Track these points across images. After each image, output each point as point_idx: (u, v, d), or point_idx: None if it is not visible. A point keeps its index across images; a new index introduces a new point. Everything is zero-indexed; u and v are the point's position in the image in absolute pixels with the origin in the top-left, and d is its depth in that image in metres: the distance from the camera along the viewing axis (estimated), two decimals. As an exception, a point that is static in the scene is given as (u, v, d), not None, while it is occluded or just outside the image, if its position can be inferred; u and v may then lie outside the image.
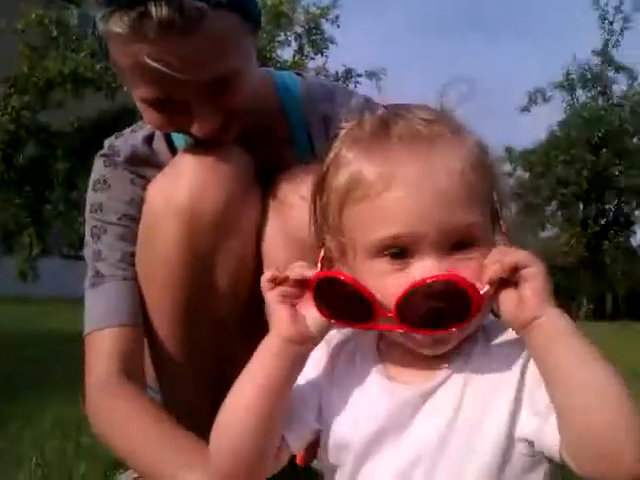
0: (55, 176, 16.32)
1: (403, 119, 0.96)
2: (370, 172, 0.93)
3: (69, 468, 1.94)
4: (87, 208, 1.63)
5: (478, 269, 0.91)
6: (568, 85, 25.74)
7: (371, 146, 0.95)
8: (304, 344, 0.97)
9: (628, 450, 0.81)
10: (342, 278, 0.94)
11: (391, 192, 0.91)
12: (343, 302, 0.94)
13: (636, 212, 25.77)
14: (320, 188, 1.03)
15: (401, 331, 0.93)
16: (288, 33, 17.13)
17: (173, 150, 1.65)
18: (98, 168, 1.65)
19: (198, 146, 1.50)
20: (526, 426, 0.91)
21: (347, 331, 1.05)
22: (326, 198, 1.01)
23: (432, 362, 0.97)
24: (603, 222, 25.75)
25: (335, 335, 1.05)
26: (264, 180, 1.56)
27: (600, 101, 25.43)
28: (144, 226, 1.54)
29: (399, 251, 0.92)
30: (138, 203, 1.57)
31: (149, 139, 1.66)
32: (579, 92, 25.90)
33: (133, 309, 1.54)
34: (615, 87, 25.53)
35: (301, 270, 0.97)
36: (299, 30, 17.35)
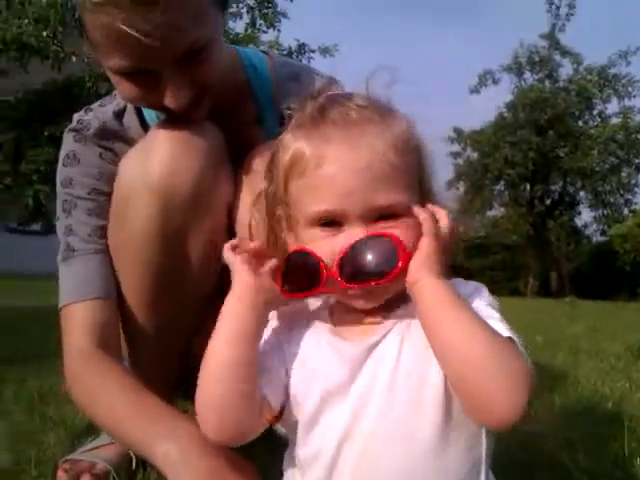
0: (-1, 147, 15.71)
1: (339, 105, 1.10)
2: (307, 151, 1.07)
3: (37, 439, 1.95)
4: (58, 183, 1.65)
5: (400, 235, 1.04)
6: (516, 68, 26.13)
7: (310, 129, 1.09)
8: (263, 294, 1.11)
9: (498, 404, 0.93)
10: (304, 248, 1.10)
11: (322, 169, 1.05)
12: (298, 273, 1.10)
13: (581, 193, 26.42)
14: (272, 165, 1.17)
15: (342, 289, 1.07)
16: (240, 5, 16.80)
17: (144, 126, 1.66)
18: (68, 143, 1.66)
19: (171, 122, 1.51)
20: None
21: (301, 303, 1.20)
22: (275, 174, 1.15)
23: (373, 321, 1.10)
24: (548, 202, 26.34)
25: (289, 307, 1.18)
26: (234, 159, 1.58)
27: (547, 84, 25.91)
28: (117, 201, 1.56)
29: (330, 222, 1.07)
30: (107, 177, 1.59)
31: (120, 114, 1.69)
32: (527, 75, 26.35)
33: (105, 282, 1.57)
34: (561, 71, 26.05)
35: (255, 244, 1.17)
36: (251, 2, 17.03)
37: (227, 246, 1.17)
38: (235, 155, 1.59)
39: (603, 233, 25.67)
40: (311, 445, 1.08)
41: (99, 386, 1.47)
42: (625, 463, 1.90)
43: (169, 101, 1.44)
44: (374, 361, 1.06)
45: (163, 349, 1.67)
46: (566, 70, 25.91)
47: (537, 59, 25.72)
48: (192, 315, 1.64)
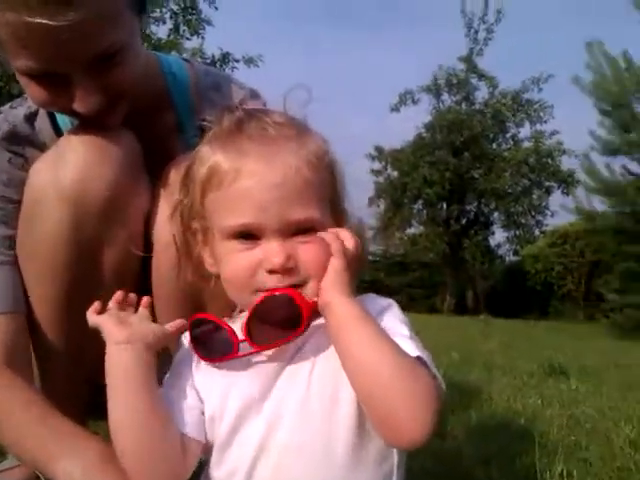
0: None
1: (256, 120, 1.12)
2: (224, 164, 1.08)
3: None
4: None
5: (316, 250, 1.07)
6: (435, 89, 26.78)
7: (227, 142, 1.10)
8: (135, 343, 1.12)
9: (404, 425, 0.95)
10: (210, 319, 1.11)
11: (239, 183, 1.06)
12: (210, 340, 1.11)
13: (495, 213, 27.23)
14: (187, 178, 1.17)
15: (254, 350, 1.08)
16: (164, 10, 16.54)
17: (57, 130, 1.60)
18: None
19: (85, 127, 1.46)
20: None
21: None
22: (191, 187, 1.15)
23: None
24: (464, 222, 27.03)
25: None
26: (152, 169, 1.54)
27: (463, 106, 26.65)
28: (26, 208, 1.50)
29: (248, 235, 1.08)
30: (16, 184, 1.53)
31: (31, 117, 1.62)
32: (445, 96, 27.05)
33: (12, 295, 1.51)
34: (477, 94, 26.87)
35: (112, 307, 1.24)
36: (175, 8, 16.81)
37: (90, 311, 1.21)
38: (153, 164, 1.55)
39: (516, 253, 26.55)
40: (226, 464, 1.09)
41: (4, 402, 1.42)
42: (536, 477, 1.96)
43: (78, 105, 1.39)
44: (288, 375, 1.08)
45: (74, 366, 1.62)
46: (482, 93, 26.76)
47: (455, 81, 26.43)
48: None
